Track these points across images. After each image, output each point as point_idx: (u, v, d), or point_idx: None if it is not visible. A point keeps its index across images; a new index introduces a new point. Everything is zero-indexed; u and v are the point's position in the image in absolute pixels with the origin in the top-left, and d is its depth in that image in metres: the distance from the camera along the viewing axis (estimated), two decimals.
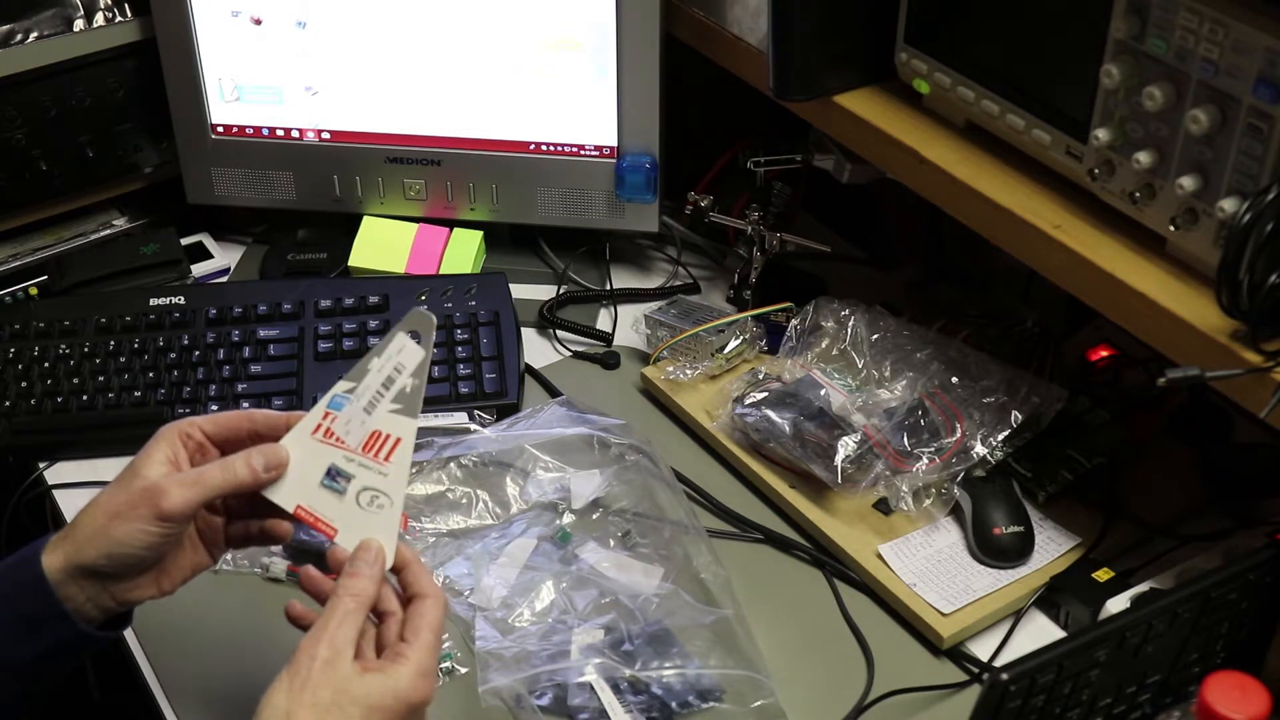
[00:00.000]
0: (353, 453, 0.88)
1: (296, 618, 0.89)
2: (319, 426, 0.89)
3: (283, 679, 0.80)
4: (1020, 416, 1.17)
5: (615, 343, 1.43)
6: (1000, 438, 1.17)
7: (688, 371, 1.32)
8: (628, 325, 1.42)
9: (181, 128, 1.47)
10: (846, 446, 1.16)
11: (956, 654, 1.09)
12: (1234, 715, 0.74)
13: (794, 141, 1.36)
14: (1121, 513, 1.17)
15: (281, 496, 0.88)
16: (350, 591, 0.84)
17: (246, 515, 0.93)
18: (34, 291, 1.46)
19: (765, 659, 1.05)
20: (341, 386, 0.89)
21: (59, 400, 1.27)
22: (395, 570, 0.87)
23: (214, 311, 1.34)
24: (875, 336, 1.26)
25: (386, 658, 0.83)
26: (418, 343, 0.87)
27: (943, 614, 1.09)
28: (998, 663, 1.07)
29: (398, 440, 0.88)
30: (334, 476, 0.88)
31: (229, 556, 1.15)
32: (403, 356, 0.87)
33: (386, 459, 0.88)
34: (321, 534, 0.88)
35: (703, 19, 1.30)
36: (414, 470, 1.20)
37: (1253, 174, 0.84)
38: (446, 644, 1.08)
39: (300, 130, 1.47)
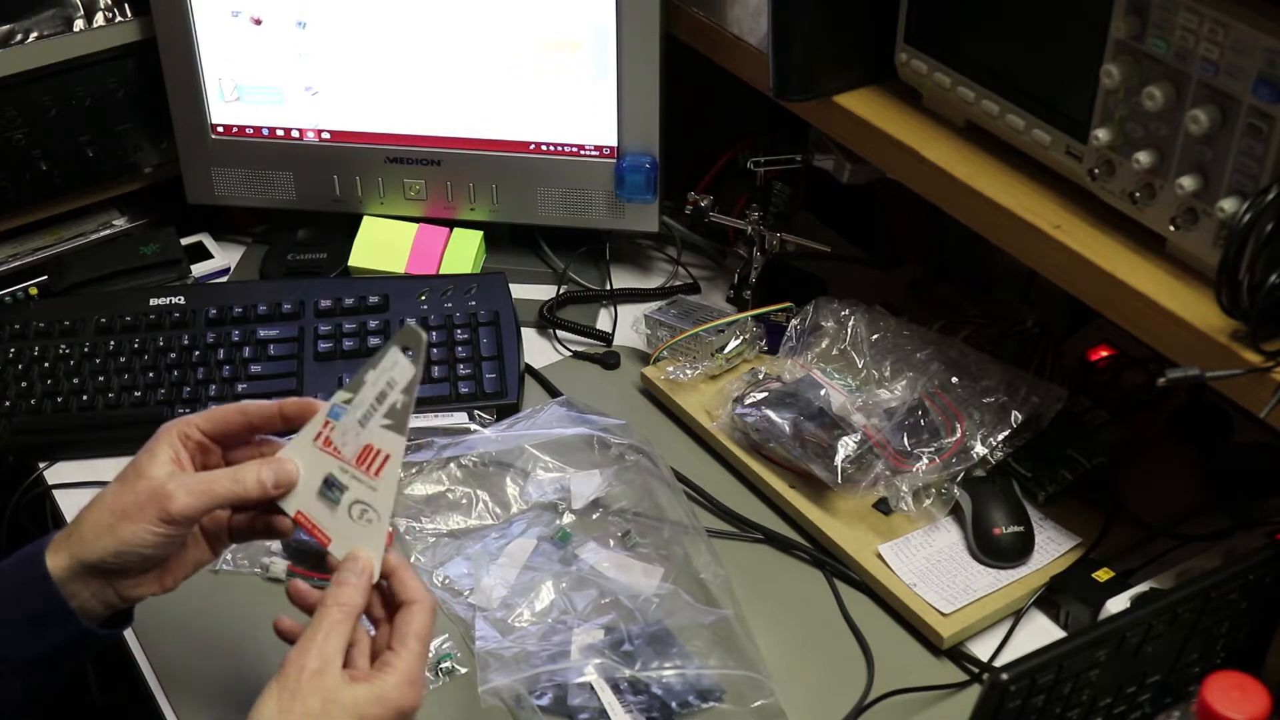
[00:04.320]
0: (347, 464, 0.88)
1: (285, 632, 0.89)
2: (319, 434, 0.89)
3: (272, 689, 0.80)
4: (1020, 416, 1.17)
5: (615, 343, 1.43)
6: (1000, 438, 1.17)
7: (688, 371, 1.32)
8: (628, 325, 1.42)
9: (181, 128, 1.47)
10: (846, 446, 1.16)
11: (956, 654, 1.09)
12: (1234, 715, 0.74)
13: (794, 141, 1.36)
14: (1121, 513, 1.17)
15: (284, 500, 0.89)
16: (337, 601, 0.84)
17: (251, 508, 0.93)
18: (34, 291, 1.46)
19: (765, 659, 1.05)
20: (340, 396, 0.89)
21: (59, 400, 1.27)
22: (384, 577, 0.87)
23: (214, 311, 1.34)
24: (875, 336, 1.26)
25: (375, 666, 0.83)
26: (411, 359, 0.86)
27: (943, 614, 1.09)
28: (998, 663, 1.07)
29: (387, 457, 0.87)
30: (330, 486, 0.88)
31: (229, 556, 1.16)
32: (395, 372, 0.87)
33: (376, 474, 0.88)
34: (317, 541, 0.89)
35: (703, 19, 1.30)
36: (414, 470, 1.21)
37: (1253, 174, 0.84)
38: (446, 644, 1.08)
39: (300, 130, 1.47)
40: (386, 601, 0.88)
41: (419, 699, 0.83)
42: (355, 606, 0.84)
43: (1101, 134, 0.94)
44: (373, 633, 0.87)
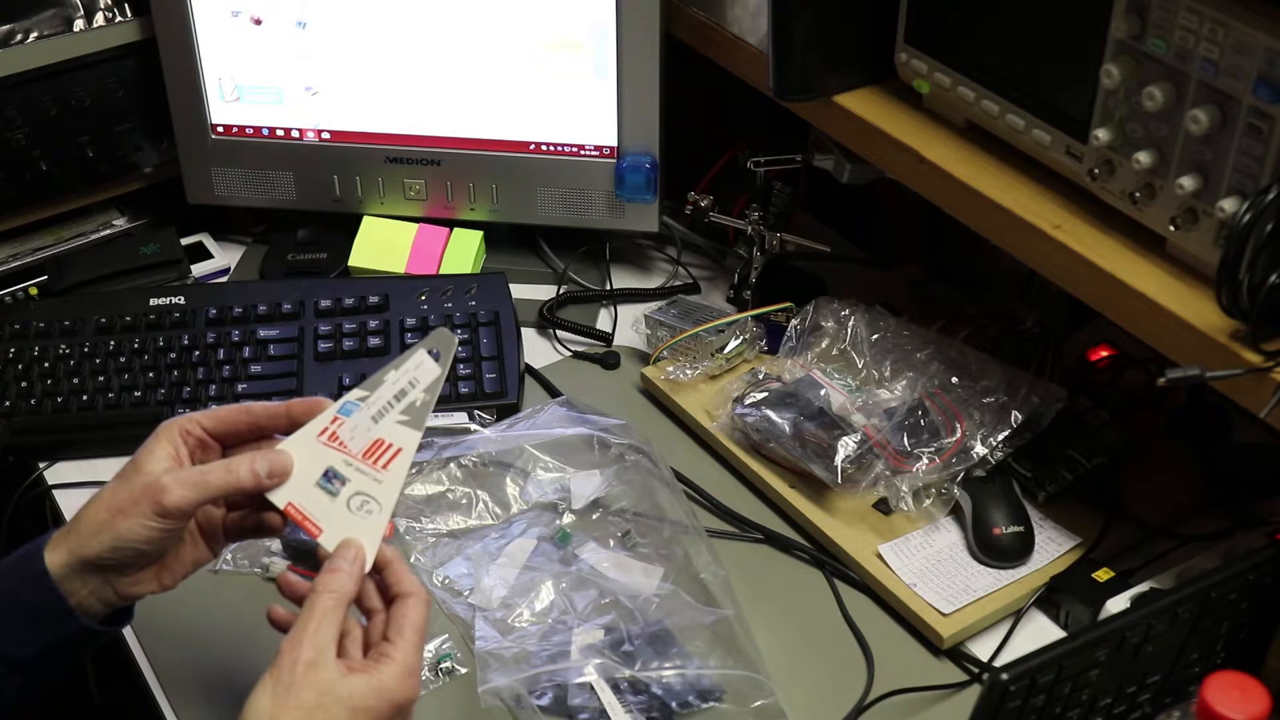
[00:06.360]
0: (353, 457, 0.89)
1: (278, 622, 0.89)
2: (325, 430, 0.89)
3: (266, 681, 0.79)
4: (1020, 416, 1.17)
5: (615, 343, 1.43)
6: (1000, 438, 1.17)
7: (688, 371, 1.32)
8: (628, 325, 1.42)
9: (181, 128, 1.47)
10: (846, 446, 1.16)
11: (956, 654, 1.09)
12: (1234, 715, 0.74)
13: (794, 141, 1.36)
14: (1121, 513, 1.17)
15: (274, 493, 0.89)
16: (329, 588, 0.83)
17: (243, 506, 0.93)
18: (34, 291, 1.46)
19: (765, 659, 1.05)
20: (355, 394, 0.90)
21: (59, 400, 1.27)
22: (377, 570, 0.87)
23: (214, 311, 1.34)
24: (875, 336, 1.26)
25: (371, 657, 0.83)
26: (436, 360, 0.90)
27: (943, 614, 1.09)
28: (998, 663, 1.07)
29: (398, 450, 0.89)
30: (330, 478, 0.88)
31: (228, 556, 1.15)
32: (419, 372, 0.90)
33: (384, 467, 0.89)
34: (306, 533, 0.88)
35: (703, 19, 1.30)
36: (414, 470, 1.20)
37: (1253, 174, 0.84)
38: (446, 644, 1.08)
39: (300, 130, 1.47)
40: (381, 594, 0.88)
41: (417, 691, 0.83)
42: (347, 593, 0.84)
43: (1101, 134, 0.94)
44: (363, 623, 0.87)
